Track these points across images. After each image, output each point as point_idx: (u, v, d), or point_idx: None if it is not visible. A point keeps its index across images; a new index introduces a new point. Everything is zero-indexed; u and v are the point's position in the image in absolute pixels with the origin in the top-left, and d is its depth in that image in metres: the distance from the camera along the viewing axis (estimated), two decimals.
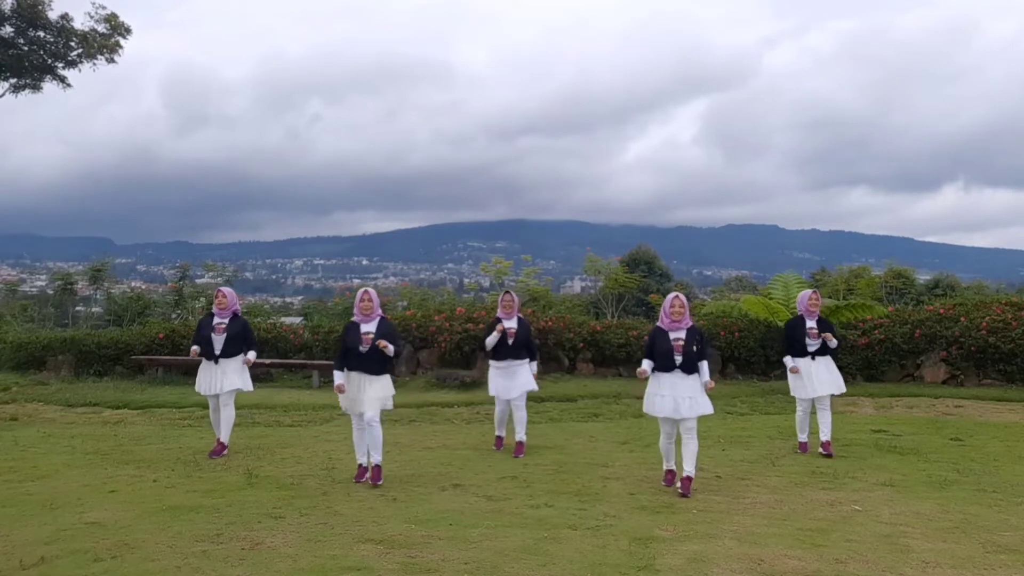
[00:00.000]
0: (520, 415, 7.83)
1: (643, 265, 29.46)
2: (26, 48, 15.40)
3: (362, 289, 6.81)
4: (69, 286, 21.06)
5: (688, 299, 6.70)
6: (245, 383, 7.83)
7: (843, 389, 7.86)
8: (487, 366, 13.21)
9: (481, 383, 12.75)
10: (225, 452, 7.63)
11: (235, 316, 7.87)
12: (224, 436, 7.69)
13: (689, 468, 6.16)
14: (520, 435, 7.79)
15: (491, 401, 11.27)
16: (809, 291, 8.11)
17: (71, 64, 15.91)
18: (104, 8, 15.65)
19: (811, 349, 7.73)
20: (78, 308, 20.83)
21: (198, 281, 21.37)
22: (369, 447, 6.49)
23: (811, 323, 7.79)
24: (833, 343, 7.71)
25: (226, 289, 8.08)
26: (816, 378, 7.71)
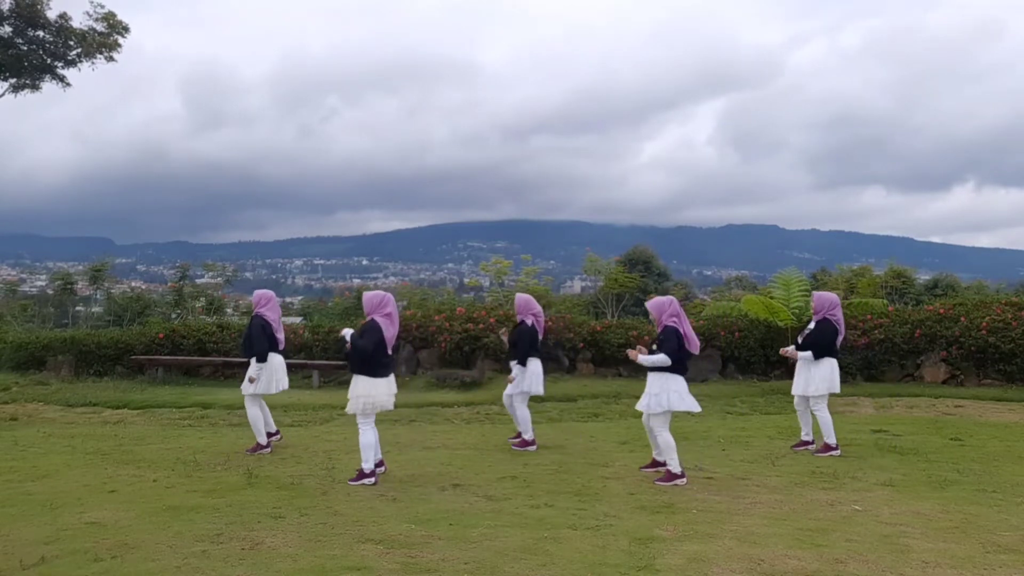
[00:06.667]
0: (513, 415, 8.14)
1: (640, 265, 29.48)
2: (25, 48, 15.41)
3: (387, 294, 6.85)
4: (69, 286, 21.07)
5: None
6: (244, 387, 7.77)
7: (806, 392, 7.81)
8: (487, 366, 13.31)
9: (481, 383, 12.76)
10: (263, 451, 7.66)
11: (252, 318, 7.91)
12: (258, 437, 7.77)
13: (668, 463, 6.53)
14: (523, 432, 8.06)
15: (491, 401, 11.31)
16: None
17: (70, 63, 15.92)
18: (102, 7, 15.67)
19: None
20: (78, 308, 20.83)
21: (198, 281, 21.37)
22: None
23: (811, 324, 8.02)
24: (800, 355, 7.78)
25: (256, 291, 8.26)
26: (795, 377, 7.94)
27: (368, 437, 6.44)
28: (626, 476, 6.67)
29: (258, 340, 7.65)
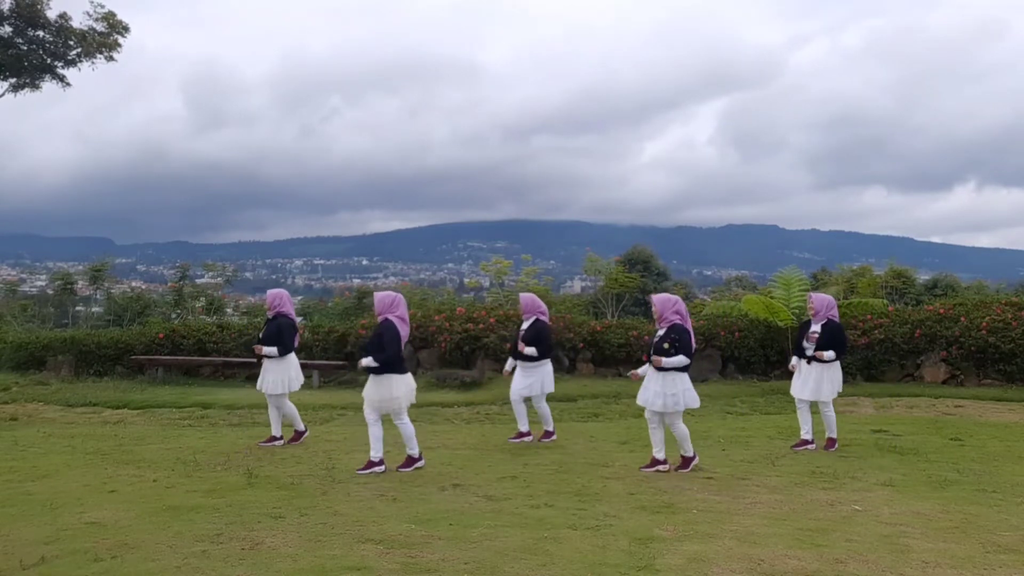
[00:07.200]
0: (538, 410, 8.45)
1: (639, 265, 29.42)
2: (25, 48, 15.40)
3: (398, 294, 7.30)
4: (69, 286, 21.04)
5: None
6: (272, 386, 8.06)
7: (819, 398, 7.80)
8: (487, 366, 13.32)
9: (481, 383, 12.76)
10: (277, 443, 8.07)
11: (275, 317, 8.17)
12: (274, 429, 8.20)
13: (682, 450, 6.91)
14: (546, 426, 8.46)
15: (491, 401, 11.32)
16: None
17: (70, 63, 15.91)
18: (102, 7, 15.66)
19: (807, 352, 7.87)
20: (78, 308, 20.81)
21: (198, 281, 21.35)
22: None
23: (815, 327, 7.89)
24: (826, 356, 7.73)
25: (270, 291, 8.57)
26: (801, 381, 7.92)
27: (410, 427, 6.93)
28: (626, 476, 6.67)
29: (289, 338, 8.09)
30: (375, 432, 6.83)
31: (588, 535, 4.92)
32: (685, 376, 6.80)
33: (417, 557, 4.48)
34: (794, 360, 8.11)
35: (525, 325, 8.36)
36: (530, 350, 8.18)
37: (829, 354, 7.74)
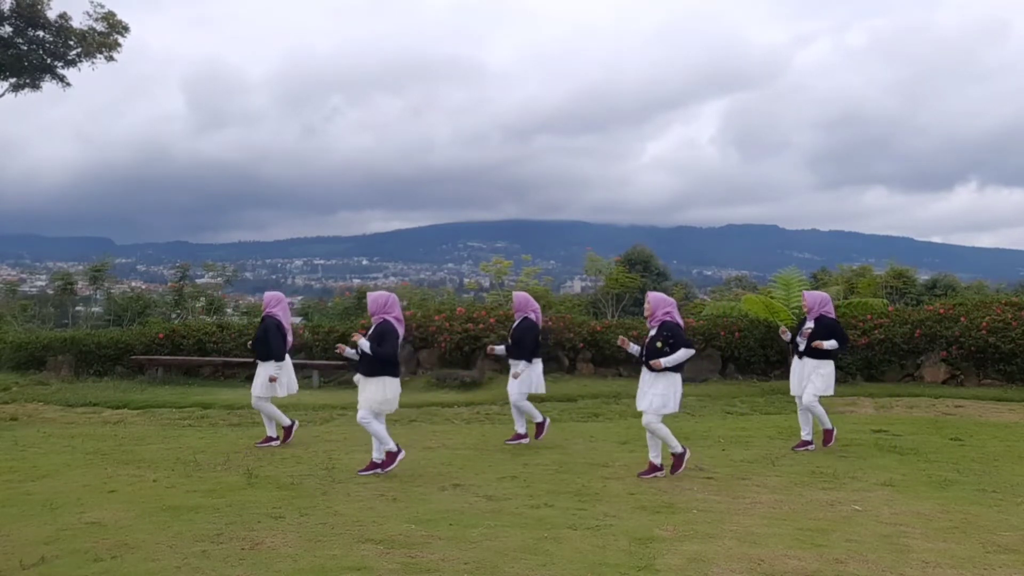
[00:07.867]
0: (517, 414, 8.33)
1: (639, 265, 29.41)
2: (25, 48, 15.41)
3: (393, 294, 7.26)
4: (69, 286, 21.06)
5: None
6: (256, 388, 8.05)
7: (810, 397, 7.75)
8: (487, 366, 13.32)
9: (481, 383, 12.76)
10: (272, 443, 8.03)
11: (264, 319, 8.13)
12: (268, 430, 8.16)
13: (670, 449, 6.70)
14: (519, 427, 8.33)
15: (491, 401, 11.32)
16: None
17: (70, 63, 15.93)
18: (102, 7, 15.67)
19: (799, 348, 7.92)
20: (78, 308, 20.82)
21: (198, 281, 21.37)
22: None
23: (808, 323, 7.94)
24: (826, 345, 7.70)
25: (267, 293, 8.60)
26: (797, 380, 7.91)
27: (382, 423, 6.85)
28: (626, 476, 6.67)
29: (275, 340, 7.96)
30: (377, 428, 6.79)
31: (588, 535, 4.92)
32: (678, 378, 6.69)
33: (417, 557, 4.48)
34: (794, 360, 8.13)
35: (515, 324, 8.40)
36: (499, 350, 8.31)
37: (831, 343, 7.68)
